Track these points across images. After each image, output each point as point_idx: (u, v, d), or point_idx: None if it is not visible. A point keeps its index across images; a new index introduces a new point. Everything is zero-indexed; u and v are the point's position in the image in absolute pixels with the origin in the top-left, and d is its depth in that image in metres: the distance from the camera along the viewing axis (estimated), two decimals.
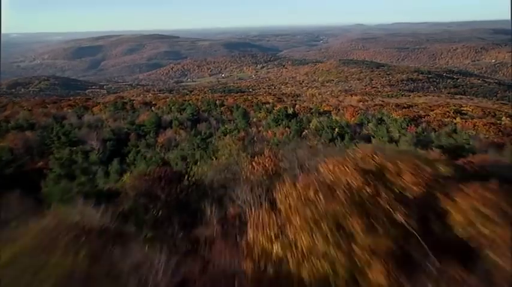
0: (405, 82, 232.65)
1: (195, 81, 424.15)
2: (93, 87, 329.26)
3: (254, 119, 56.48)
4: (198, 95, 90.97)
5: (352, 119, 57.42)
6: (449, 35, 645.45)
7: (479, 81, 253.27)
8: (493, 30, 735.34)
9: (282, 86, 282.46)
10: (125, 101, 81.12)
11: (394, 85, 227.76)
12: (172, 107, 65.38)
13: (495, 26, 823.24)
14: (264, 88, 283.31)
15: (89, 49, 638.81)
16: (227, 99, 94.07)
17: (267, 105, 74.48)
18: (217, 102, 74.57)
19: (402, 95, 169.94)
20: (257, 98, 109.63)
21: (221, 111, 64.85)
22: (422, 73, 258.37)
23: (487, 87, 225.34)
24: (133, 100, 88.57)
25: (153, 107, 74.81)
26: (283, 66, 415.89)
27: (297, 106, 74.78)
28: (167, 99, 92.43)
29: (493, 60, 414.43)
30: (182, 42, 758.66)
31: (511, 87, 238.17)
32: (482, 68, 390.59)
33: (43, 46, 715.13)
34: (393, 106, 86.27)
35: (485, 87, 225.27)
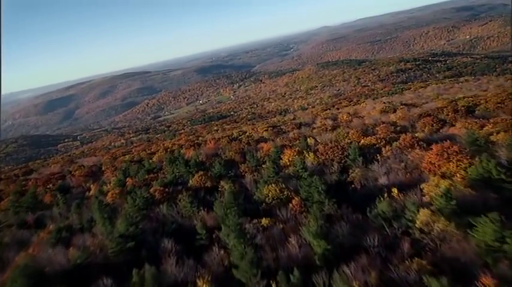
0: (395, 74, 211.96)
1: (173, 114, 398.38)
2: (66, 140, 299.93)
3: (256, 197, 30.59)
4: (161, 151, 63.95)
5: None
6: (416, 21, 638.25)
7: (469, 59, 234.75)
8: (455, 8, 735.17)
9: (265, 103, 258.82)
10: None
11: (384, 79, 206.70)
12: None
13: (455, 5, 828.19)
14: (246, 108, 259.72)
15: (61, 100, 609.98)
16: (206, 143, 68.36)
17: (266, 150, 48.21)
18: (190, 159, 47.13)
19: (403, 90, 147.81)
20: (245, 132, 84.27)
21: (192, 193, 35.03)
22: (408, 61, 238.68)
23: (481, 64, 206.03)
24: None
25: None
26: (261, 81, 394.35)
27: (312, 142, 47.59)
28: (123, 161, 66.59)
29: (468, 37, 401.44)
30: (154, 76, 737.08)
31: (504, 59, 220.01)
32: (460, 46, 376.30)
33: (14, 106, 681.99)
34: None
35: (479, 64, 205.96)
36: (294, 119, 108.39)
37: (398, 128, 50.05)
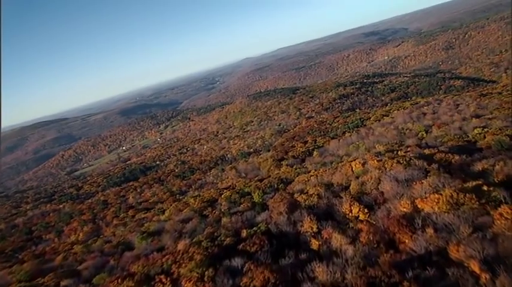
0: (338, 101, 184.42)
1: (92, 165, 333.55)
2: None
3: None
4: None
5: None
6: (333, 47, 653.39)
7: (404, 78, 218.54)
8: (364, 34, 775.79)
9: (196, 146, 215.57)
10: None
11: (329, 108, 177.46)
12: None
13: (363, 31, 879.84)
14: (174, 155, 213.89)
15: None
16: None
17: None
18: None
19: (363, 121, 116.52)
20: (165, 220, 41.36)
21: None
22: (346, 85, 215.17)
23: (422, 83, 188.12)
24: None
25: None
26: (189, 119, 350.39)
27: None
28: None
29: (386, 57, 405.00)
30: (72, 123, 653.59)
31: (443, 78, 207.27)
32: (382, 67, 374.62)
33: None
34: None
35: (420, 83, 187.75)
36: (235, 188, 67.86)
37: None
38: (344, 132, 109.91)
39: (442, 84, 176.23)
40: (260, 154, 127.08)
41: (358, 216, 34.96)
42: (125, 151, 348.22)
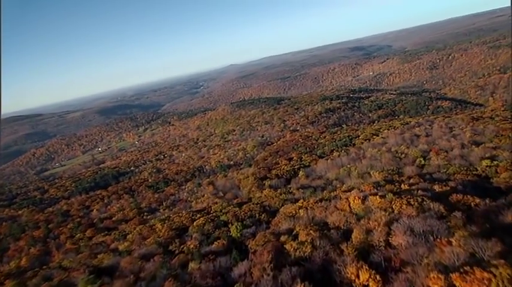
0: (324, 115, 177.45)
1: (64, 165, 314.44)
2: None
3: None
4: None
5: None
6: (318, 59, 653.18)
7: (391, 96, 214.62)
8: (350, 48, 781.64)
9: (174, 152, 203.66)
10: None
11: (315, 122, 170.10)
12: None
13: (348, 45, 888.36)
14: (150, 161, 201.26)
15: None
16: None
17: None
18: None
19: (351, 139, 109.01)
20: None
21: None
22: (332, 99, 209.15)
23: (410, 101, 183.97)
24: None
25: None
26: (169, 123, 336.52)
27: None
28: None
29: (371, 73, 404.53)
30: (48, 119, 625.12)
31: (430, 98, 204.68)
32: (367, 82, 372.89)
33: None
34: None
35: (408, 102, 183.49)
36: (210, 212, 57.92)
37: None
38: (332, 151, 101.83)
39: (430, 104, 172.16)
40: (241, 168, 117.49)
41: (368, 285, 26.06)
42: (100, 153, 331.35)
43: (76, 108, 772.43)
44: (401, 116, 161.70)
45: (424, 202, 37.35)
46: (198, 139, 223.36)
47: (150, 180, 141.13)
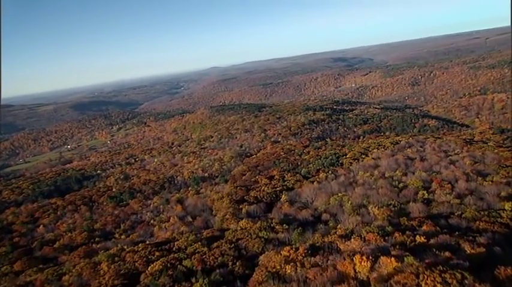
0: (308, 127, 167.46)
1: (28, 162, 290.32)
2: None
3: None
4: None
5: None
6: (301, 67, 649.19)
7: (375, 110, 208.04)
8: (333, 59, 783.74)
9: (146, 156, 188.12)
10: None
11: (297, 133, 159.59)
12: None
13: (332, 56, 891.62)
14: (120, 164, 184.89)
15: None
16: None
17: None
18: None
19: (338, 157, 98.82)
20: None
21: None
22: (315, 110, 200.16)
23: (395, 118, 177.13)
24: None
25: None
26: (145, 124, 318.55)
27: None
28: None
29: (354, 85, 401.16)
30: (17, 111, 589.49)
31: (416, 115, 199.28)
32: (349, 93, 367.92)
33: None
34: None
35: (393, 118, 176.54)
36: (172, 248, 45.34)
37: None
38: (318, 171, 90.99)
39: (416, 122, 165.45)
40: (216, 183, 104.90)
41: None
42: (69, 151, 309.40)
43: (49, 101, 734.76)
44: (387, 133, 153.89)
45: (466, 280, 26.31)
46: (173, 143, 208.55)
47: (114, 189, 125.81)
